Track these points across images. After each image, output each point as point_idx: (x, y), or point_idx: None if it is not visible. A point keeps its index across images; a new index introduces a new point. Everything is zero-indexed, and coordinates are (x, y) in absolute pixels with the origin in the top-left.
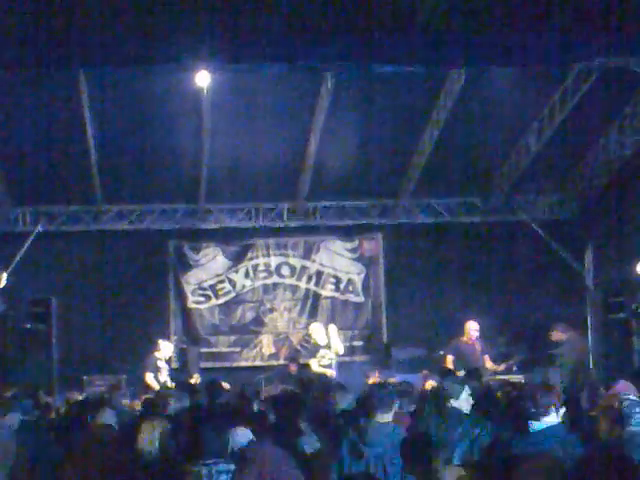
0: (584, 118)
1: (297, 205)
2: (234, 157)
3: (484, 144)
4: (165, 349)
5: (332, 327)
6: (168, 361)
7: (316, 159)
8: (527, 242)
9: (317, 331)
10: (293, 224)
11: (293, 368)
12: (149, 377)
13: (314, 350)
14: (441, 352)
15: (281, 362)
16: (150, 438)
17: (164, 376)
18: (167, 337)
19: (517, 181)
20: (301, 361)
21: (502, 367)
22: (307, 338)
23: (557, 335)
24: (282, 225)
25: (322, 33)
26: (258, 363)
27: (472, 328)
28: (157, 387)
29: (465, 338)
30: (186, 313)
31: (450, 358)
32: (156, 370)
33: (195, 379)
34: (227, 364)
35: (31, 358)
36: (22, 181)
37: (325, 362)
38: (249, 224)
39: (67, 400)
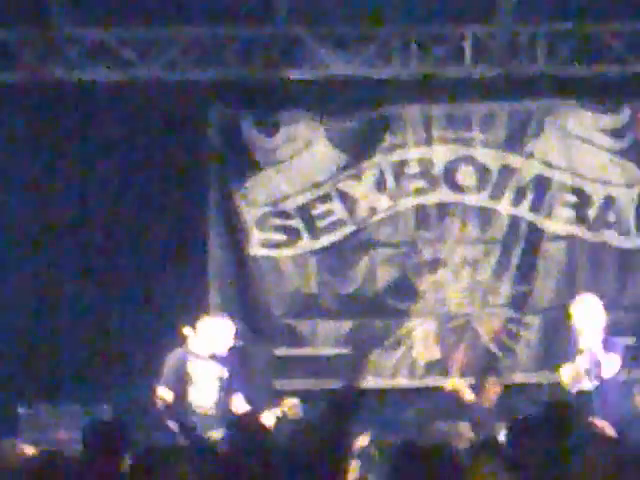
0: None
1: (489, 30)
2: None
3: None
4: (203, 335)
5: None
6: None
7: None
8: None
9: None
10: (482, 71)
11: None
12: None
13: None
14: None
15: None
16: None
17: (203, 392)
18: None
19: None
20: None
21: None
22: (511, 327)
23: None
24: (458, 73)
25: None
26: (404, 382)
27: None
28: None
29: None
30: (245, 269)
31: None
32: (178, 381)
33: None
34: (334, 383)
35: None
36: None
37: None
38: (383, 69)
39: None
